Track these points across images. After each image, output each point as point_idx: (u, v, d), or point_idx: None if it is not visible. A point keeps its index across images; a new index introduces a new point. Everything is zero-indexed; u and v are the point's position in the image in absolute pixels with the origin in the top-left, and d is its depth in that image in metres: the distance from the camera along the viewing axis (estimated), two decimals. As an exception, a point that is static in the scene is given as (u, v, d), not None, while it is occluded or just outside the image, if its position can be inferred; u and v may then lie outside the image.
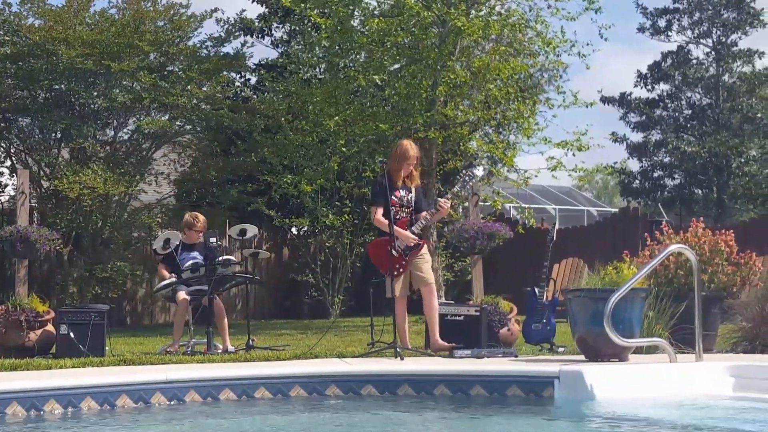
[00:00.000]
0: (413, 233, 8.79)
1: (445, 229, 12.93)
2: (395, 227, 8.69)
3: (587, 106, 15.91)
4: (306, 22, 17.85)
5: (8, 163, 17.65)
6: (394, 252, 8.71)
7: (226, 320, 9.62)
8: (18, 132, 17.38)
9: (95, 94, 16.78)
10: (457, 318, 9.08)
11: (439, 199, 8.94)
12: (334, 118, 14.76)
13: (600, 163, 16.19)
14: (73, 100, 17.04)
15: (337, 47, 15.59)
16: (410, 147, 8.97)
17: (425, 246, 8.95)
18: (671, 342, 7.66)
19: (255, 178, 17.91)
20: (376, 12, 15.57)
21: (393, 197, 8.78)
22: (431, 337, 8.89)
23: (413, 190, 8.95)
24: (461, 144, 16.13)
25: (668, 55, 32.48)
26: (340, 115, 14.93)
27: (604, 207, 37.02)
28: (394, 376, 7.25)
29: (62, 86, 16.86)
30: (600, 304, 7.11)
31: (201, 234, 9.98)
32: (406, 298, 8.95)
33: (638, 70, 32.85)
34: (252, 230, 10.37)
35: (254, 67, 19.94)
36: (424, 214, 8.86)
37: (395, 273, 8.75)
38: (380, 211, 8.76)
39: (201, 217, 10.11)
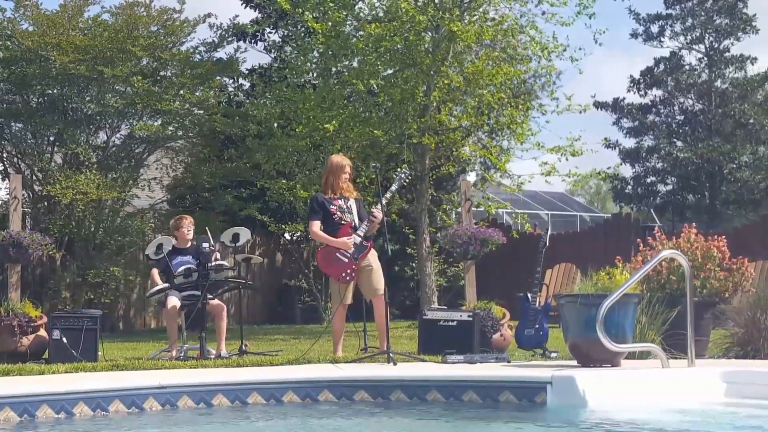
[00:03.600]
0: (359, 237, 8.76)
1: (438, 234, 12.91)
2: (332, 239, 8.70)
3: (580, 112, 15.94)
4: (299, 26, 17.84)
5: (0, 167, 17.62)
6: (343, 258, 8.72)
7: (225, 321, 9.59)
8: (11, 137, 17.36)
9: (88, 99, 16.79)
10: (450, 323, 9.09)
11: (373, 209, 8.85)
12: (332, 122, 14.66)
13: (594, 168, 16.14)
14: (65, 104, 17.04)
15: (330, 52, 15.58)
16: (344, 159, 9.12)
17: (373, 256, 8.84)
18: (664, 347, 7.66)
19: (248, 184, 17.88)
20: (369, 18, 15.57)
21: (332, 206, 8.81)
22: (382, 346, 8.64)
23: (350, 200, 8.92)
24: (454, 149, 16.14)
25: (661, 60, 32.56)
26: (336, 119, 14.89)
27: (597, 212, 37.08)
28: (387, 381, 7.25)
29: (55, 91, 16.87)
30: (593, 309, 7.10)
31: (191, 231, 9.95)
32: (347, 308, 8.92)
33: (631, 76, 32.97)
34: (245, 235, 10.35)
35: (247, 72, 19.93)
36: (364, 222, 8.80)
37: (347, 278, 8.74)
38: (316, 224, 8.79)
39: (185, 216, 10.13)
